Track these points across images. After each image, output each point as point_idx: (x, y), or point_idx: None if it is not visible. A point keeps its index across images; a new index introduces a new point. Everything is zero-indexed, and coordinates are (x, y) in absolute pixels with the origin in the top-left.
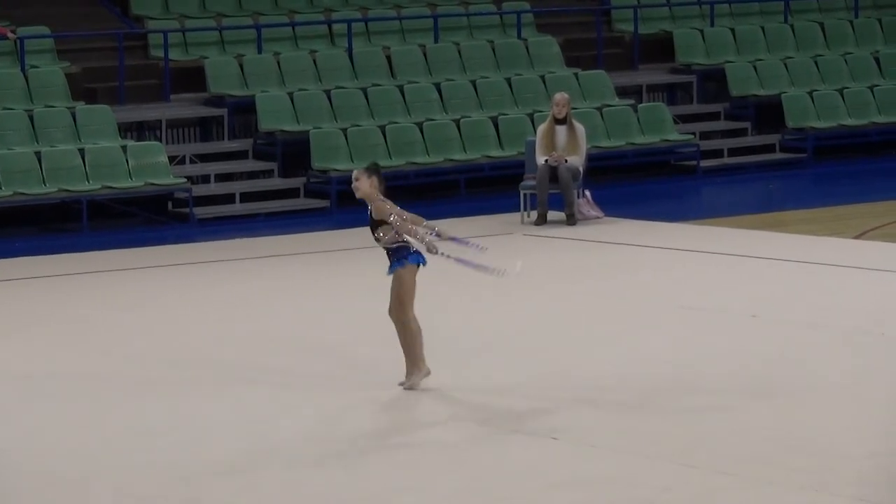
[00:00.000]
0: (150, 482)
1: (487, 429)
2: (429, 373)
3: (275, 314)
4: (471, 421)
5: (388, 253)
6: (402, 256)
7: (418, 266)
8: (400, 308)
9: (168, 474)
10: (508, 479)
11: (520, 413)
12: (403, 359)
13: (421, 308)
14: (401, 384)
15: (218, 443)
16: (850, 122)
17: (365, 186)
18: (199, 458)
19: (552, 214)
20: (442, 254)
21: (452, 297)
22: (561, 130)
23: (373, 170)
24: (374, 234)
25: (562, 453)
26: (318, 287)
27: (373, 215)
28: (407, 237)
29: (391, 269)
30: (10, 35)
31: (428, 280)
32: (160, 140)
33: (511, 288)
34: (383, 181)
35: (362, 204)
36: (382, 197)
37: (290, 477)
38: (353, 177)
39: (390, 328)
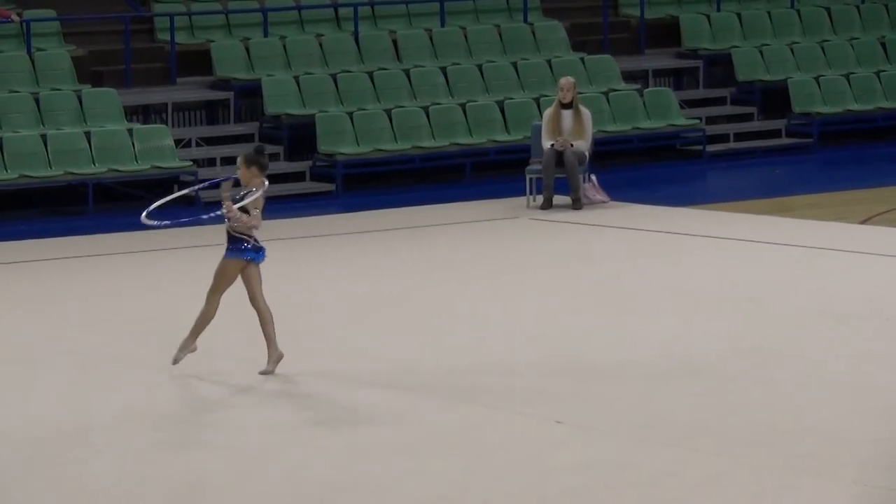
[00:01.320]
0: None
1: (490, 411)
2: (281, 356)
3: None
4: (474, 404)
5: (229, 234)
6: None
7: (248, 261)
8: (211, 292)
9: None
10: (511, 463)
11: (522, 396)
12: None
13: (440, 291)
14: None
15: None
16: (856, 107)
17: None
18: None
19: (558, 199)
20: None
21: (455, 279)
22: (567, 115)
23: (255, 161)
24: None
25: (564, 436)
26: (323, 270)
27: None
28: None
29: (226, 254)
30: (14, 18)
31: (435, 264)
32: (166, 123)
33: (515, 271)
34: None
35: (369, 187)
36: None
37: (291, 460)
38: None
39: (388, 313)
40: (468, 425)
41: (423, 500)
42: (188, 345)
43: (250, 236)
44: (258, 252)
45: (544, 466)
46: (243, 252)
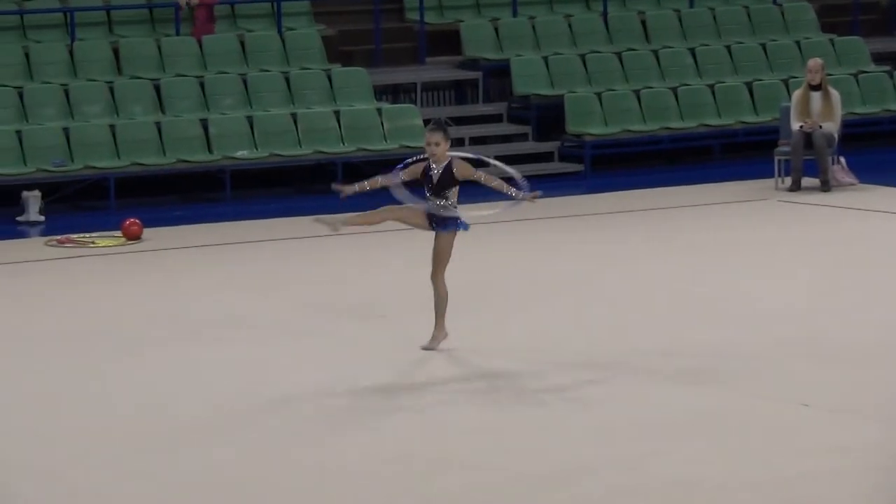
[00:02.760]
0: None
1: (731, 394)
2: (446, 336)
3: (528, 272)
4: (714, 386)
5: (437, 215)
6: (453, 222)
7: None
8: (434, 272)
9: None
10: (753, 446)
11: (766, 379)
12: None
13: (685, 272)
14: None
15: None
16: None
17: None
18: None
19: (806, 181)
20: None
21: (700, 260)
22: (816, 97)
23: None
24: (441, 191)
25: (812, 420)
26: (567, 249)
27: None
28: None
29: (447, 228)
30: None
31: (680, 246)
32: (415, 103)
33: (761, 253)
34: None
35: (617, 168)
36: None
37: (525, 441)
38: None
39: (630, 293)
40: (708, 408)
41: (665, 482)
42: (439, 333)
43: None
44: (465, 224)
45: (790, 449)
46: (458, 225)
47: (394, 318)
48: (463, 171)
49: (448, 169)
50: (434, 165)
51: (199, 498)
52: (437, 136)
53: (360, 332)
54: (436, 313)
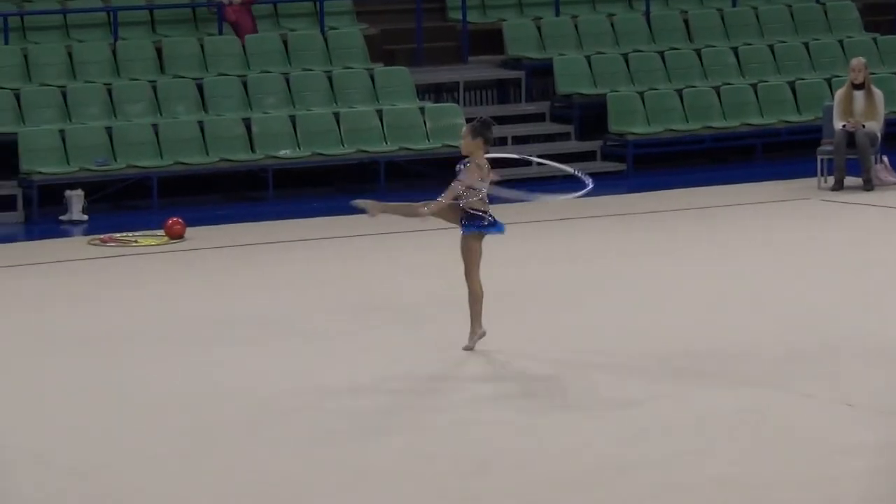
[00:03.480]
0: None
1: (774, 392)
2: (483, 334)
3: (569, 271)
4: (756, 385)
5: (466, 214)
6: (476, 222)
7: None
8: (466, 271)
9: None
10: (797, 445)
11: (809, 378)
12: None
13: (726, 272)
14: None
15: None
16: None
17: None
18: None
19: (849, 180)
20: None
21: (742, 260)
22: (859, 96)
23: (478, 129)
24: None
25: (856, 419)
26: (610, 248)
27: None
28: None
29: (468, 229)
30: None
31: (722, 245)
32: (457, 102)
33: (804, 252)
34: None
35: (660, 167)
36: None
37: (568, 440)
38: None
39: (671, 294)
40: (751, 407)
41: (707, 480)
42: (476, 330)
43: (485, 211)
44: (495, 226)
45: (833, 449)
46: (482, 227)
47: (435, 318)
48: (467, 172)
49: (464, 166)
50: (462, 163)
51: (241, 497)
52: (465, 129)
53: (400, 332)
54: (470, 312)
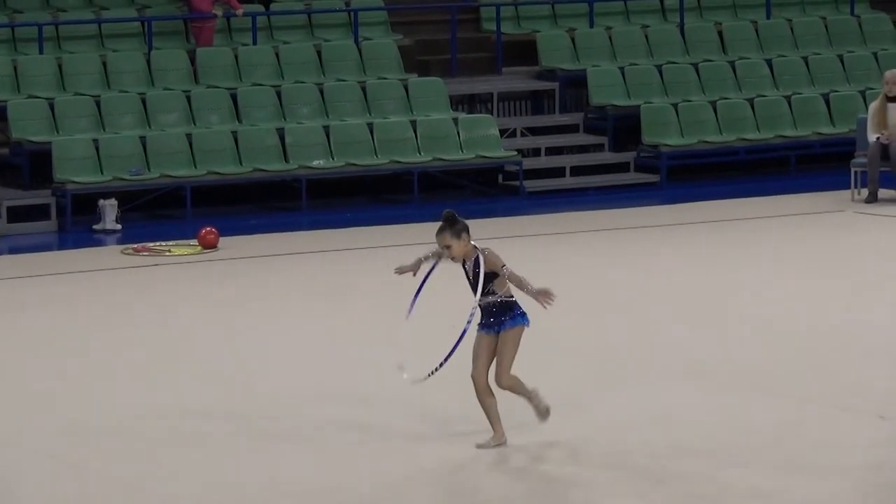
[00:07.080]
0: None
1: (809, 405)
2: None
3: (602, 284)
4: (790, 399)
5: (491, 308)
6: (516, 313)
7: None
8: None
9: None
10: (831, 459)
11: (844, 391)
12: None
13: (759, 283)
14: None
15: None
16: None
17: (460, 248)
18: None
19: (883, 192)
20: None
21: (776, 272)
22: (893, 108)
23: (461, 227)
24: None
25: (888, 432)
26: (642, 261)
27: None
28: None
29: (505, 325)
30: (238, 13)
31: (756, 257)
32: (491, 113)
33: (838, 264)
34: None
35: (693, 179)
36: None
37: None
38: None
39: (705, 306)
40: (786, 420)
41: (743, 493)
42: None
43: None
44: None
45: (867, 462)
46: (523, 317)
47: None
48: (491, 263)
49: (477, 263)
50: (467, 263)
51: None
52: (445, 238)
53: (435, 344)
54: (492, 414)
